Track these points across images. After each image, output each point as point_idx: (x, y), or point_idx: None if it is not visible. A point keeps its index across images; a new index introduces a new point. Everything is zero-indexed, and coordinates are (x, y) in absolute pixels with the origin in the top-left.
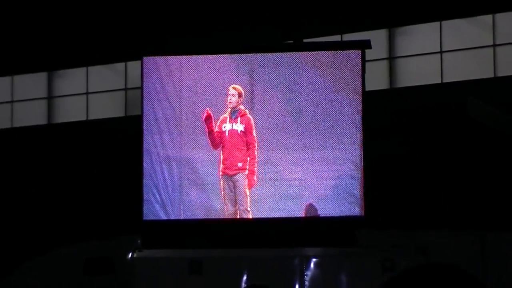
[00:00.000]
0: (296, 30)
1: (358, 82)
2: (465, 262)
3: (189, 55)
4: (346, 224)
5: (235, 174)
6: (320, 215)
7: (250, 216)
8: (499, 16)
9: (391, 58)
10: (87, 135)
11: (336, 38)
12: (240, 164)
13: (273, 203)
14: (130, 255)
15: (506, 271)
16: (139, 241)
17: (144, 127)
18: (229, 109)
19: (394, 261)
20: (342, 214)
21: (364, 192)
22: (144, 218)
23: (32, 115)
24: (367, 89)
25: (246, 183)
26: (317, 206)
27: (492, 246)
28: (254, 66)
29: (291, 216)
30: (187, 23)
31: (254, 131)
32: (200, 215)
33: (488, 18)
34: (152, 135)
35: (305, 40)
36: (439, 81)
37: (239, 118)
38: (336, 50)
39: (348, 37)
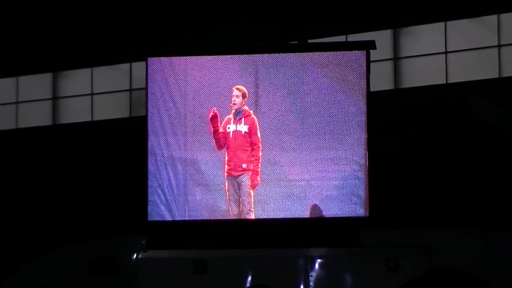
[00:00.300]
0: (300, 31)
1: (363, 82)
2: (468, 262)
3: (194, 55)
4: (350, 224)
5: (239, 175)
6: (325, 216)
7: (254, 217)
8: (504, 16)
9: (396, 59)
10: (91, 136)
11: (340, 38)
12: (244, 165)
13: (277, 204)
14: (134, 255)
15: (509, 271)
16: (143, 242)
17: (149, 128)
18: (233, 110)
19: (398, 261)
20: (346, 215)
21: (368, 192)
22: (149, 219)
23: (37, 116)
24: (371, 89)
25: (250, 183)
26: (322, 207)
27: (495, 245)
28: (259, 67)
29: (296, 216)
30: (192, 24)
31: (258, 131)
32: (204, 215)
33: (493, 18)
34: (157, 136)
35: (309, 41)
36: (444, 82)
37: (243, 119)
38: (341, 51)
39: (352, 37)
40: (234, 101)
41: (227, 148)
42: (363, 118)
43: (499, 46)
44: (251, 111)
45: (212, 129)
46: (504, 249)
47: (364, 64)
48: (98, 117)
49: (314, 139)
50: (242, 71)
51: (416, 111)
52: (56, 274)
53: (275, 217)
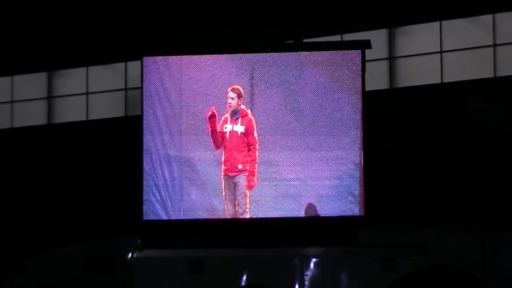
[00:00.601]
0: (296, 30)
1: (358, 82)
2: (465, 261)
3: (190, 55)
4: (346, 223)
5: (235, 176)
6: (320, 215)
7: (249, 217)
8: (499, 16)
9: (391, 58)
10: (87, 135)
11: (336, 38)
12: (240, 166)
13: (273, 203)
14: (130, 255)
15: (506, 270)
16: (139, 241)
17: (144, 127)
18: (230, 110)
19: (394, 260)
20: (342, 214)
21: (364, 192)
22: (144, 218)
23: (32, 115)
24: (367, 89)
25: (246, 184)
26: (317, 206)
27: (492, 245)
28: (254, 66)
29: (291, 215)
30: (187, 23)
31: (255, 132)
32: (200, 215)
33: (488, 18)
34: (152, 135)
35: (305, 40)
36: (439, 81)
37: (240, 119)
38: (336, 50)
39: (348, 37)
40: (229, 102)
41: (224, 148)
42: (358, 117)
43: (495, 45)
44: (249, 111)
45: (210, 128)
46: (501, 249)
47: (360, 64)
48: (93, 116)
49: (309, 138)
50: (238, 71)
51: (412, 110)
52: (52, 274)
53: (270, 216)
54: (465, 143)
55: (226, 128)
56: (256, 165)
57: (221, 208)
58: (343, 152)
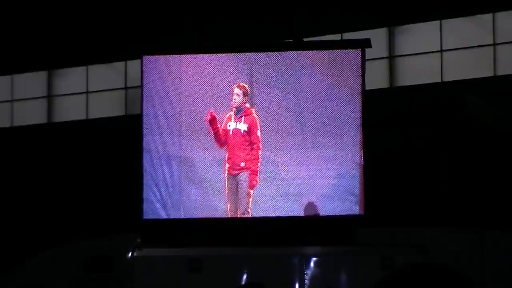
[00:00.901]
0: (296, 29)
1: (358, 81)
2: (464, 260)
3: (189, 53)
4: (345, 222)
5: (238, 174)
6: (320, 214)
7: (250, 216)
8: (499, 15)
9: (391, 57)
10: (87, 134)
11: (336, 37)
12: (242, 164)
13: (273, 202)
14: (130, 253)
15: (505, 269)
16: (138, 240)
17: (144, 126)
18: (234, 108)
19: (393, 259)
20: (342, 213)
21: (363, 191)
22: (144, 217)
23: (32, 114)
24: (367, 88)
25: (248, 183)
26: (317, 205)
27: (491, 244)
28: (254, 65)
29: (291, 215)
30: (187, 22)
31: (258, 131)
32: (200, 214)
33: (488, 17)
34: (152, 134)
35: (305, 39)
36: (439, 80)
37: (243, 117)
38: (336, 49)
39: (348, 36)
40: (234, 99)
41: (227, 146)
42: (358, 116)
43: (495, 44)
44: (253, 110)
45: (212, 131)
46: (500, 248)
47: (360, 63)
48: (93, 115)
49: (309, 138)
50: (237, 69)
51: (412, 109)
52: (51, 273)
53: (270, 215)
54: (465, 142)
55: (229, 126)
56: (259, 164)
57: (221, 207)
58: (343, 151)
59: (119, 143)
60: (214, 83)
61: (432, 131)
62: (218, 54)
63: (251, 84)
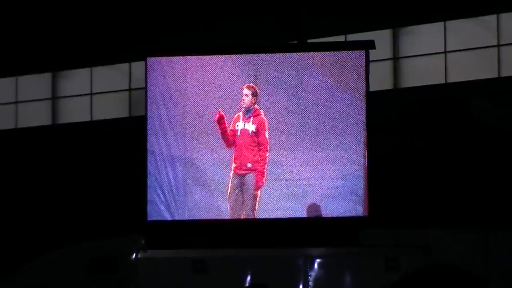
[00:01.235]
0: (300, 30)
1: (362, 82)
2: (468, 261)
3: (193, 55)
4: (349, 224)
5: (244, 174)
6: (324, 215)
7: (255, 217)
8: (504, 16)
9: (395, 58)
10: (91, 135)
11: (340, 38)
12: (249, 165)
13: (277, 203)
14: (134, 255)
15: (509, 270)
16: (143, 241)
17: (148, 128)
18: (243, 108)
19: (397, 260)
20: (345, 214)
21: (367, 192)
22: (148, 218)
23: (36, 116)
24: (371, 89)
25: (254, 184)
26: (321, 206)
27: (495, 244)
28: (258, 67)
29: (295, 216)
30: (190, 23)
31: (266, 132)
32: (204, 215)
33: (492, 18)
34: (156, 136)
35: (309, 41)
36: (444, 81)
37: (252, 118)
38: (340, 51)
39: (352, 37)
40: (243, 99)
41: (235, 146)
42: (362, 117)
43: (499, 46)
44: (261, 111)
45: (220, 130)
46: (504, 248)
47: (364, 64)
48: (97, 117)
49: (313, 139)
50: (242, 71)
51: (416, 110)
52: (56, 274)
53: (274, 216)
54: (469, 143)
55: (238, 126)
56: (266, 165)
57: (225, 208)
58: (347, 152)
59: (123, 144)
60: (218, 84)
61: (436, 132)
62: (222, 56)
63: (255, 85)
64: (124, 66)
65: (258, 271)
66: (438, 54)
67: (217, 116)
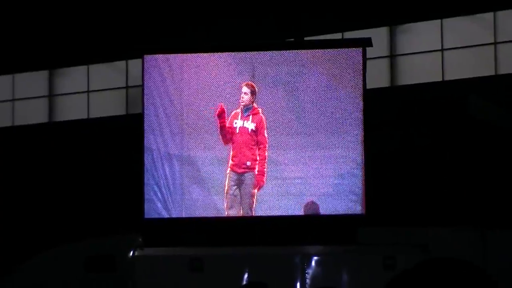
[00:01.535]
0: (297, 28)
1: (359, 80)
2: (466, 259)
3: (190, 53)
4: (347, 222)
5: (243, 173)
6: (322, 213)
7: (252, 215)
8: (500, 14)
9: (392, 56)
10: (88, 133)
11: (337, 36)
12: (248, 163)
13: (274, 201)
14: (131, 253)
15: (507, 268)
16: (140, 239)
17: (145, 125)
18: (242, 106)
19: (395, 258)
20: (343, 212)
21: (365, 190)
22: (145, 216)
23: (33, 113)
24: (368, 87)
25: (254, 183)
26: (319, 204)
27: (493, 243)
28: (255, 64)
29: (293, 214)
30: (188, 21)
31: (265, 131)
32: (201, 213)
33: (489, 16)
34: (153, 133)
35: (306, 38)
36: (440, 79)
37: (251, 116)
38: (337, 48)
39: (349, 35)
40: (242, 97)
41: (233, 143)
42: (359, 115)
43: (496, 43)
44: (260, 109)
45: (219, 124)
46: (502, 247)
47: (361, 62)
48: (94, 114)
49: (310, 137)
50: (239, 68)
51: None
52: (53, 272)
53: (272, 214)
54: (466, 141)
55: (236, 123)
56: (265, 164)
57: (222, 206)
58: (345, 150)
59: (120, 142)
60: (215, 82)
61: (433, 130)
62: (219, 54)
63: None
64: (121, 63)
65: (255, 269)
66: (435, 52)
67: (219, 109)
